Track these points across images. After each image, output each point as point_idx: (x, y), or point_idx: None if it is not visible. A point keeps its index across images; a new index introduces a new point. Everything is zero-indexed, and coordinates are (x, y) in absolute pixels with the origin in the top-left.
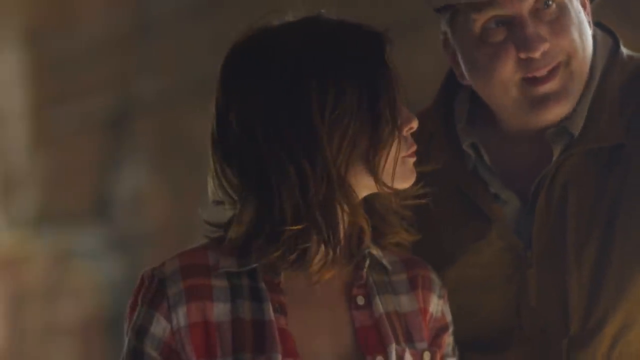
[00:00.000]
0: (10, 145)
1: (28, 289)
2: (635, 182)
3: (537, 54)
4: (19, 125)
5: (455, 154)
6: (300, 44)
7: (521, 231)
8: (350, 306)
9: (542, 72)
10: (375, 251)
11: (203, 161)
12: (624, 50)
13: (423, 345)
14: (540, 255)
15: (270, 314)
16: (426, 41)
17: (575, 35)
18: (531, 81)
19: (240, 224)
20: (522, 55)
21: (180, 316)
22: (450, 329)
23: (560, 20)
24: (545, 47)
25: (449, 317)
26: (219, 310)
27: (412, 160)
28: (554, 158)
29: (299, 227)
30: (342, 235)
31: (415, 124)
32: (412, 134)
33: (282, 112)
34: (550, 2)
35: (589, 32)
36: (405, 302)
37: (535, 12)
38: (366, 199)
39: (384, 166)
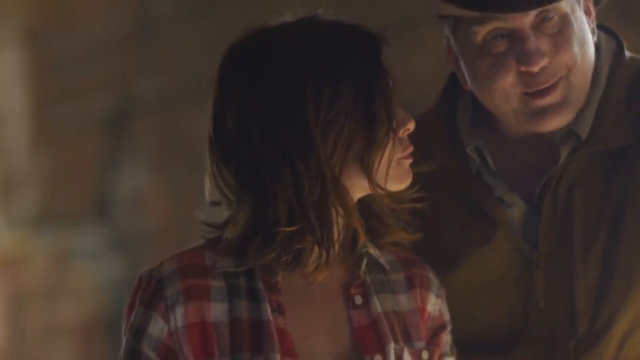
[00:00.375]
0: (10, 145)
1: (28, 289)
2: None
3: (536, 68)
4: (19, 125)
5: (458, 157)
6: (297, 44)
7: (527, 233)
8: (347, 306)
9: (543, 86)
10: (373, 250)
11: (203, 161)
12: (627, 53)
13: (421, 344)
14: (547, 256)
15: (268, 313)
16: (424, 41)
17: (576, 47)
18: (532, 94)
19: (236, 225)
20: (522, 69)
21: (178, 316)
22: (449, 328)
23: (563, 33)
24: (544, 61)
25: (447, 316)
26: (217, 311)
27: (408, 161)
28: (561, 160)
29: (294, 228)
30: (336, 236)
31: (411, 126)
32: (409, 136)
33: (278, 112)
34: (552, 15)
35: (590, 40)
36: (403, 301)
37: (537, 26)
38: (363, 200)
39: (378, 167)
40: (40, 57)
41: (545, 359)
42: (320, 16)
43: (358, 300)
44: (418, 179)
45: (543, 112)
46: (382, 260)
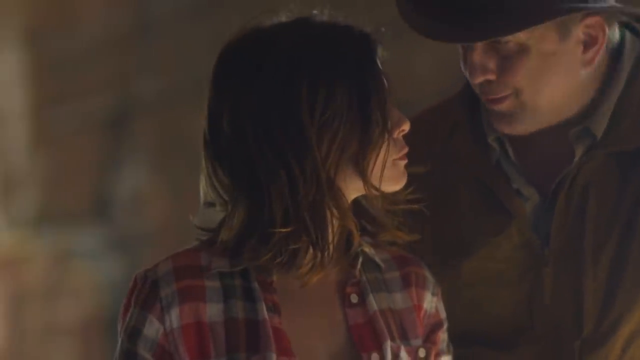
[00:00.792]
0: (10, 145)
1: (28, 289)
2: None
3: (476, 81)
4: (19, 125)
5: (479, 146)
6: (291, 44)
7: (538, 228)
8: (343, 304)
9: (491, 97)
10: (368, 249)
11: None
12: None
13: (418, 342)
14: (557, 254)
15: (264, 313)
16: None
17: (530, 76)
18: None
19: (231, 225)
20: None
21: (173, 317)
22: (445, 326)
23: (513, 59)
24: (488, 77)
25: (443, 314)
26: (212, 311)
27: (403, 162)
28: (576, 159)
29: (289, 229)
30: (331, 238)
31: (406, 127)
32: (404, 136)
33: (272, 113)
34: (506, 40)
35: (570, 71)
36: (399, 300)
37: (492, 44)
38: (358, 199)
39: (373, 168)
40: (40, 57)
41: (549, 358)
42: (315, 16)
43: (354, 298)
44: (437, 166)
45: (500, 116)
46: (377, 259)
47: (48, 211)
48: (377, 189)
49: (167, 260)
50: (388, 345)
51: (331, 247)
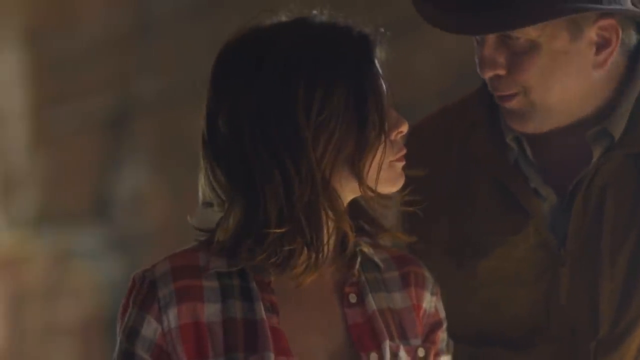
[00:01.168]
0: (10, 145)
1: (28, 289)
2: None
3: (485, 75)
4: (19, 125)
5: (497, 146)
6: (289, 44)
7: (555, 228)
8: (342, 304)
9: (501, 93)
10: (367, 249)
11: None
12: None
13: (417, 341)
14: (574, 255)
15: (262, 313)
16: (424, 41)
17: (540, 74)
18: (497, 96)
19: (227, 226)
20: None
21: (171, 317)
22: (444, 325)
23: (524, 56)
24: (497, 71)
25: (442, 314)
26: (210, 311)
27: (401, 164)
28: (594, 160)
29: (283, 229)
30: (326, 239)
31: (404, 128)
32: (402, 138)
33: (269, 113)
34: (517, 36)
35: (579, 71)
36: (398, 299)
37: (503, 39)
38: (356, 200)
39: (369, 170)
40: (40, 57)
41: (565, 358)
42: (315, 17)
43: (352, 298)
44: (454, 166)
45: (512, 114)
46: (376, 259)
47: (48, 211)
48: (372, 191)
49: (165, 261)
50: (387, 344)
51: (326, 248)
